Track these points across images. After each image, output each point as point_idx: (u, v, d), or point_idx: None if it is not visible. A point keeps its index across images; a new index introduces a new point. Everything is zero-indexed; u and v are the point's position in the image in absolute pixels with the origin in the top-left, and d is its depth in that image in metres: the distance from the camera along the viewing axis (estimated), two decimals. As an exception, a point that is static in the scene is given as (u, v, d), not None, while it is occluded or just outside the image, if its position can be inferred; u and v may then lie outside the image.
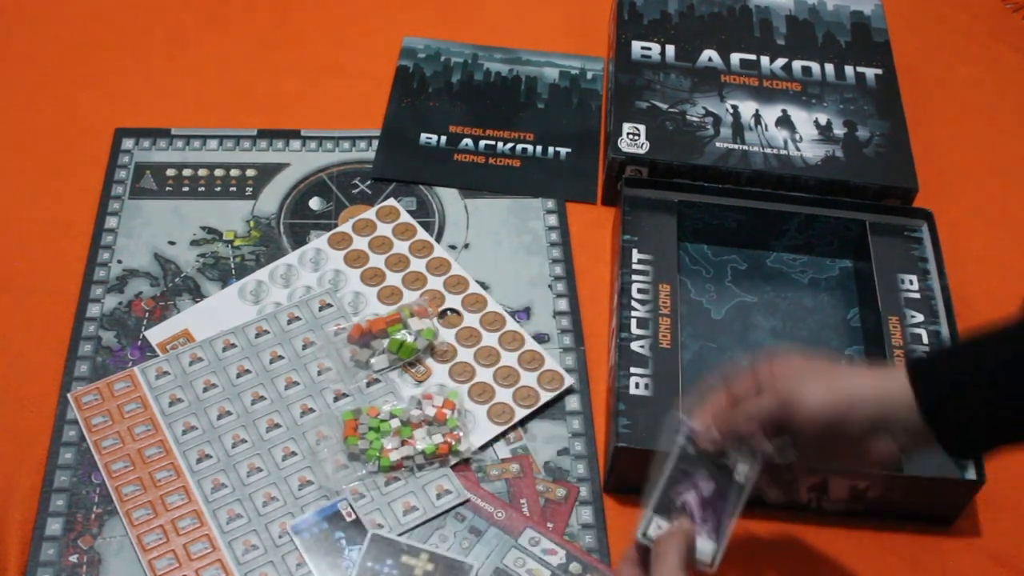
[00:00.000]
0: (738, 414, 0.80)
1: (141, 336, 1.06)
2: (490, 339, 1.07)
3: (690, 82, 1.23)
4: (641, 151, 1.15)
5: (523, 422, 1.02)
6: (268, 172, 1.20)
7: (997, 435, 0.76)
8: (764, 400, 0.79)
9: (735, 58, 1.26)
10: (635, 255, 1.08)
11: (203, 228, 1.15)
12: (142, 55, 1.32)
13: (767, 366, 0.81)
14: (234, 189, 1.18)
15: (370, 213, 1.16)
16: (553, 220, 1.18)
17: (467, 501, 0.96)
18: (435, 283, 1.11)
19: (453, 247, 1.15)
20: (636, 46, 1.27)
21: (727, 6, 1.32)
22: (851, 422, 0.76)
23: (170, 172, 1.19)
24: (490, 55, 1.34)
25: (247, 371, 1.03)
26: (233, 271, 1.11)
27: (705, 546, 0.77)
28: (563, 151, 1.24)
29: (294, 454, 0.98)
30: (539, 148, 1.24)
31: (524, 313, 1.10)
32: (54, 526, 0.93)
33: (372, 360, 1.03)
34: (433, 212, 1.18)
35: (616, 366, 1.00)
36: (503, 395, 1.03)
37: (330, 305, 1.08)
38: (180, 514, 0.94)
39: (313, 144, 1.23)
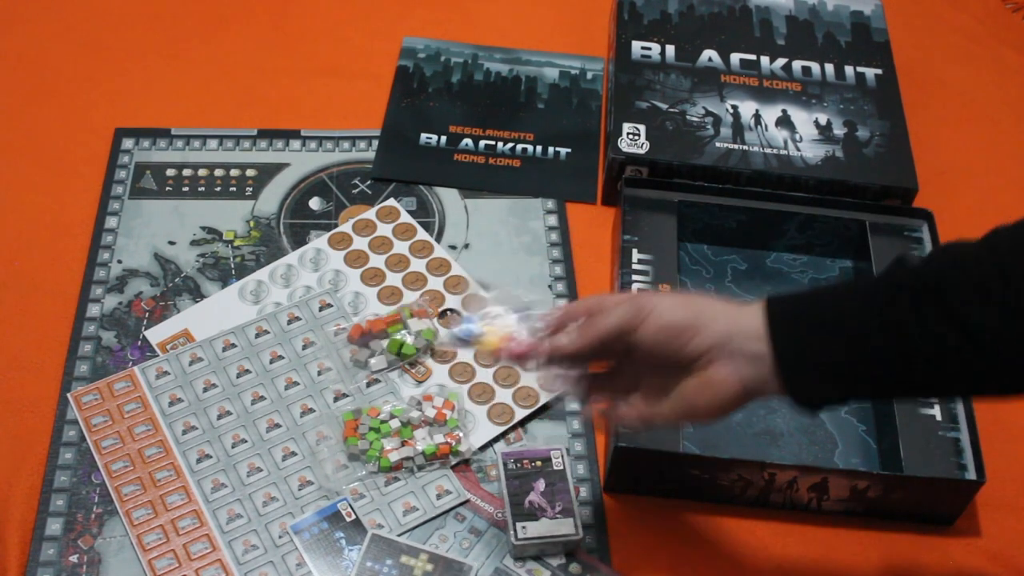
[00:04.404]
0: (591, 322, 0.79)
1: (141, 336, 1.06)
2: (490, 339, 1.06)
3: (690, 82, 1.23)
4: (641, 151, 1.15)
5: (523, 422, 1.02)
6: (268, 172, 1.20)
7: (844, 375, 0.74)
8: (620, 307, 0.79)
9: (735, 58, 1.26)
10: (635, 255, 1.08)
11: (203, 228, 1.15)
12: (142, 55, 1.32)
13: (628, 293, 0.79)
14: (234, 189, 1.18)
15: (370, 213, 1.16)
16: (553, 220, 1.18)
17: (467, 501, 0.96)
18: (435, 283, 1.11)
19: (453, 247, 1.15)
20: (636, 46, 1.27)
21: (727, 6, 1.32)
22: (700, 335, 0.76)
23: (170, 172, 1.19)
24: (490, 55, 1.34)
25: (247, 371, 1.03)
26: (233, 271, 1.11)
27: (565, 524, 0.91)
28: (563, 151, 1.24)
29: (294, 454, 0.98)
30: (539, 148, 1.24)
31: (524, 313, 1.10)
32: (54, 526, 0.93)
33: (372, 360, 1.03)
34: (433, 212, 1.18)
35: (616, 366, 1.00)
36: (503, 395, 1.03)
37: (330, 305, 1.08)
38: (180, 514, 0.94)
39: (313, 144, 1.23)
